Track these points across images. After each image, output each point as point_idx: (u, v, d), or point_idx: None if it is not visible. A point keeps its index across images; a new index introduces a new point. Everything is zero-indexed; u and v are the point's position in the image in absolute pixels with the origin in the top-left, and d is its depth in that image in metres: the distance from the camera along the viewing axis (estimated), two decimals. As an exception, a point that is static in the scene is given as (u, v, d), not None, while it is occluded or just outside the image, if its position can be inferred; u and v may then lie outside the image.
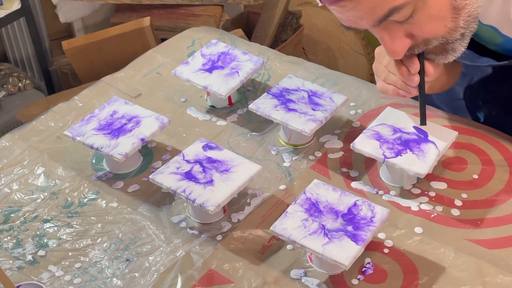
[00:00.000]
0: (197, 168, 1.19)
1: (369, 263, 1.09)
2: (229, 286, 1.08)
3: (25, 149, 1.34)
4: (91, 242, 1.16)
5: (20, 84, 2.22)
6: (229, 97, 1.42)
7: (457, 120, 1.35)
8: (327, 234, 1.05)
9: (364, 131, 1.24)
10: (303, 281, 1.08)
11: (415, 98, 1.19)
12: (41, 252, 1.15)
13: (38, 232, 1.18)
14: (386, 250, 1.11)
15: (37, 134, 1.38)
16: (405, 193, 1.21)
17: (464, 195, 1.20)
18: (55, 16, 2.20)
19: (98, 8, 2.25)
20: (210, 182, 1.16)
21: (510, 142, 1.29)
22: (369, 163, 1.27)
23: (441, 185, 1.22)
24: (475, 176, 1.23)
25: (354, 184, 1.23)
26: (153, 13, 2.08)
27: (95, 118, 1.31)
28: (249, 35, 2.15)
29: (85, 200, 1.24)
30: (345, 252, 1.02)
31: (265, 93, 1.34)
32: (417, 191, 1.21)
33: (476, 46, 1.19)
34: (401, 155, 1.18)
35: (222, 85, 1.37)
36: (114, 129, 1.28)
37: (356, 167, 1.27)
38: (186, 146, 1.26)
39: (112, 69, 1.57)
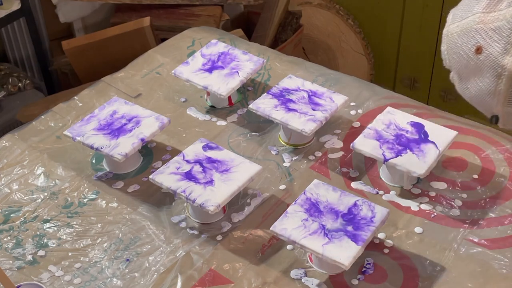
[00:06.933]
0: (197, 168, 1.19)
1: (369, 263, 1.09)
2: (229, 286, 1.08)
3: (25, 149, 1.34)
4: (91, 242, 1.16)
5: (20, 84, 2.21)
6: (229, 97, 1.42)
7: (457, 120, 1.35)
8: (327, 234, 1.05)
9: (364, 131, 1.24)
10: (303, 281, 1.08)
11: None
12: (41, 252, 1.15)
13: (38, 232, 1.18)
14: (386, 250, 1.11)
15: (37, 134, 1.38)
16: (405, 193, 1.21)
17: (464, 195, 1.20)
18: (55, 16, 2.19)
19: (98, 8, 2.25)
20: (210, 182, 1.16)
21: (510, 142, 1.29)
22: (369, 163, 1.27)
23: (441, 185, 1.22)
24: (475, 176, 1.23)
25: (354, 184, 1.23)
26: (153, 13, 2.07)
27: (95, 118, 1.31)
28: (249, 35, 2.14)
29: (85, 200, 1.24)
30: (345, 252, 1.02)
31: (265, 93, 1.34)
32: (417, 191, 1.21)
33: None
34: (401, 155, 1.18)
35: (222, 85, 1.37)
36: (114, 129, 1.28)
37: (356, 167, 1.27)
38: (186, 146, 1.26)
39: (112, 69, 1.57)
